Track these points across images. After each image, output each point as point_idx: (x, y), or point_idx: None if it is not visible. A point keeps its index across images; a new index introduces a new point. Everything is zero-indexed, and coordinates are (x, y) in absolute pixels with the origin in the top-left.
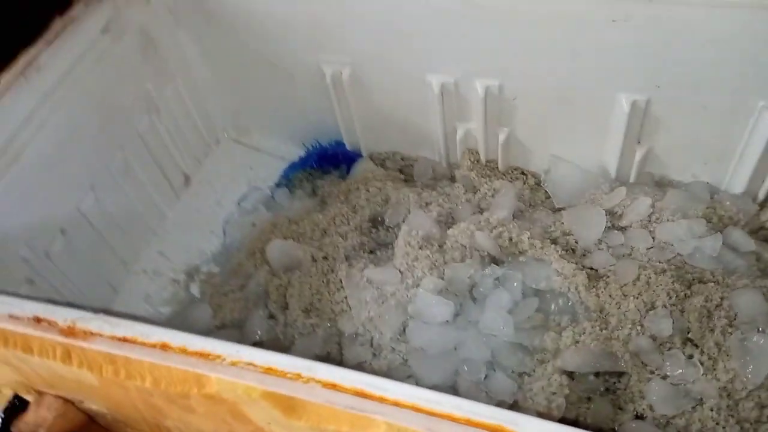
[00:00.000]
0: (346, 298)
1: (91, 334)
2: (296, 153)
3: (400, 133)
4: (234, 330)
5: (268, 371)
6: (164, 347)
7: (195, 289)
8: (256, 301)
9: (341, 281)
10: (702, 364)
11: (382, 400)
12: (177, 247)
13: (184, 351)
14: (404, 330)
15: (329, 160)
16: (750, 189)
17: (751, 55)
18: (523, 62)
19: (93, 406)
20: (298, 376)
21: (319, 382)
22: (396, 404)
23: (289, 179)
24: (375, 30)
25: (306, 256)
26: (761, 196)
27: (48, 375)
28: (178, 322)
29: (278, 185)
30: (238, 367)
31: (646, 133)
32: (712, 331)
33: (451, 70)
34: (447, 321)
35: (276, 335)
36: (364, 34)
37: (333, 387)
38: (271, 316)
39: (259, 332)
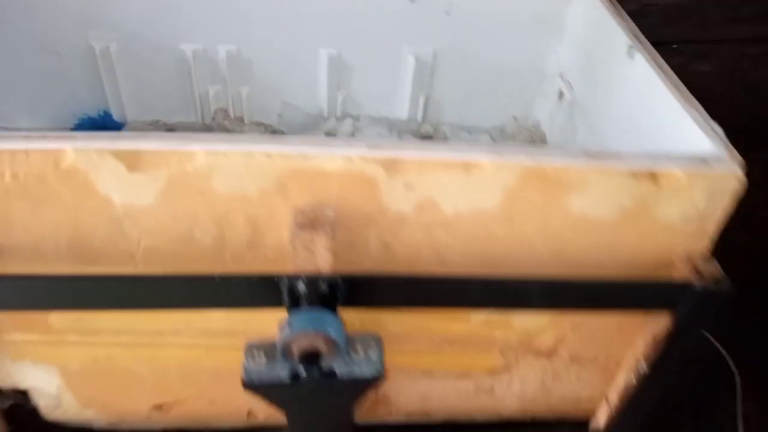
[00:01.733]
0: None
1: None
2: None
3: (161, 100)
4: None
5: (113, 139)
6: (27, 138)
7: None
8: None
9: None
10: None
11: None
12: None
13: (44, 138)
14: None
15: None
16: (411, 113)
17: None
18: (255, 29)
19: None
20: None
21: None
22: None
23: None
24: (137, 6)
25: None
26: (420, 117)
27: None
28: None
29: None
30: (90, 139)
31: (342, 79)
32: None
33: (199, 38)
34: None
35: None
36: (128, 10)
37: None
38: None
39: None
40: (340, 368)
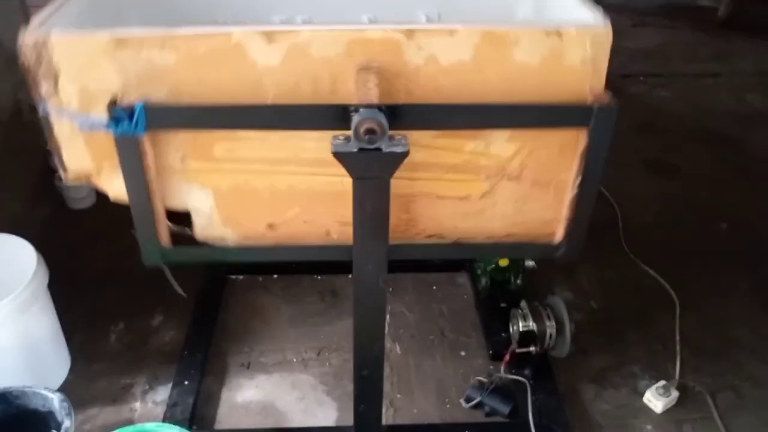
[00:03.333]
0: None
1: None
2: None
3: None
4: None
5: (259, 25)
6: (213, 27)
7: None
8: None
9: None
10: None
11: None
12: None
13: (222, 26)
14: None
15: None
16: None
17: None
18: (320, 2)
19: (160, 96)
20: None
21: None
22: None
23: None
24: None
25: None
26: None
27: (144, 70)
28: None
29: None
30: (247, 26)
31: None
32: None
33: (283, 11)
34: None
35: None
36: None
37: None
38: None
39: None
40: (385, 146)
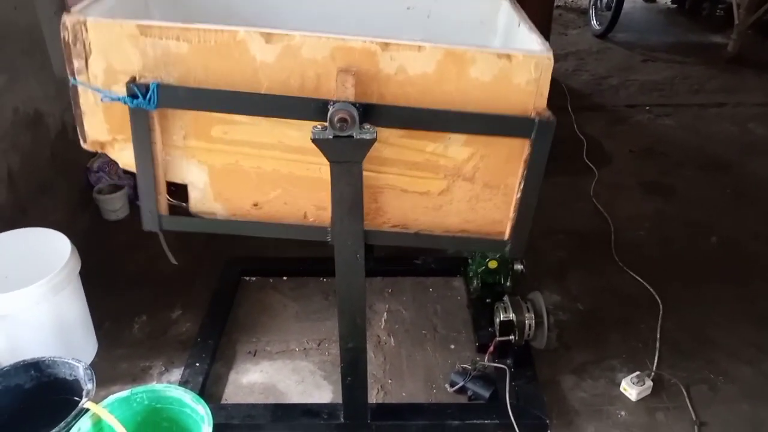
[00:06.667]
0: None
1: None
2: None
3: None
4: None
5: (260, 27)
6: (222, 26)
7: None
8: None
9: None
10: None
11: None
12: None
13: (228, 25)
14: None
15: None
16: None
17: None
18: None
19: (171, 80)
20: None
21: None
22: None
23: None
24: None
25: None
26: None
27: (161, 55)
28: None
29: None
30: (250, 26)
31: None
32: None
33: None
34: None
35: None
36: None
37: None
38: None
39: None
40: (356, 134)
